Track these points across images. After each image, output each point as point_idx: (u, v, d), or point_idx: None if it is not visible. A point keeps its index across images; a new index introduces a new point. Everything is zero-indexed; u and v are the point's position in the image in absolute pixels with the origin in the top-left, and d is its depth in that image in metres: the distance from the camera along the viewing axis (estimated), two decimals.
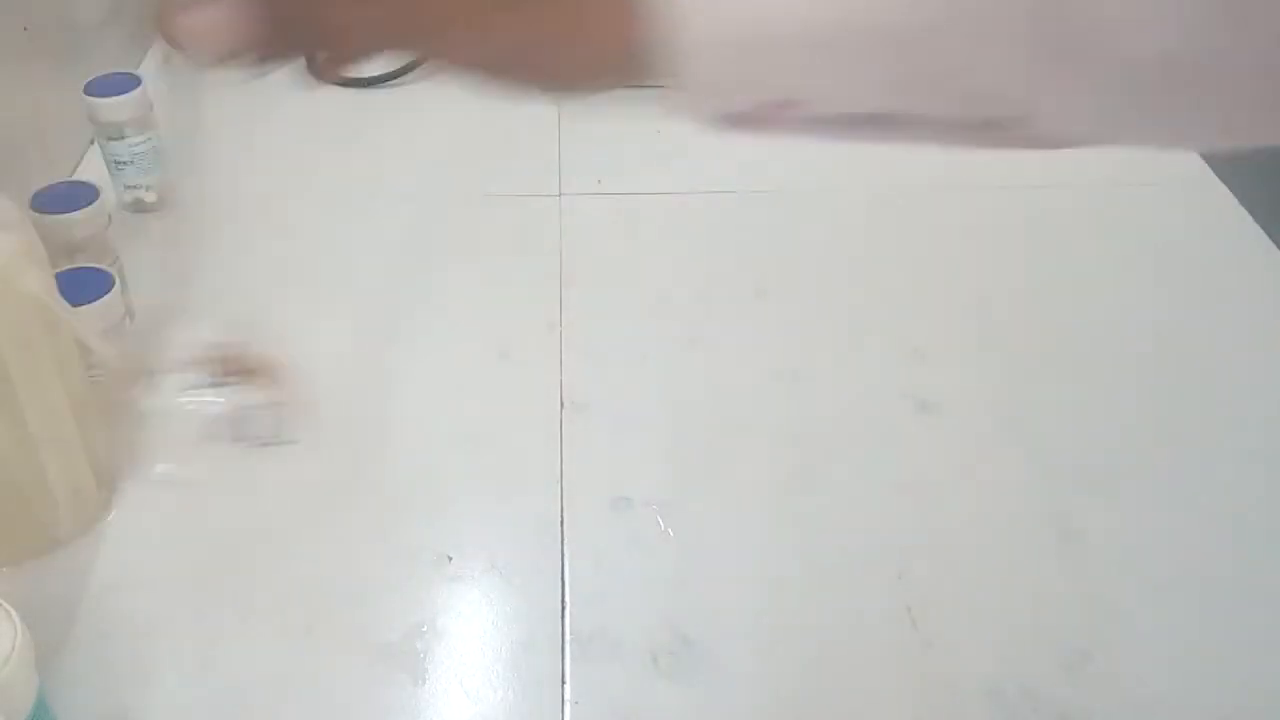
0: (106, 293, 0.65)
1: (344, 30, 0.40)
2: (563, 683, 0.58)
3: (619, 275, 0.84)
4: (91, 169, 0.90)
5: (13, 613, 0.47)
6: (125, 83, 0.83)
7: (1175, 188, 0.95)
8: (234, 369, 0.69)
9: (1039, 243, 0.89)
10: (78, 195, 0.72)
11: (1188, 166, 0.96)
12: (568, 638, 0.60)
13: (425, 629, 0.60)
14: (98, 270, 0.66)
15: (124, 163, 0.85)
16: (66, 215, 0.71)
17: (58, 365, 0.60)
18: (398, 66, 1.05)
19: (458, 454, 0.70)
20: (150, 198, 0.88)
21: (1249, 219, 0.90)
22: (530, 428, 0.71)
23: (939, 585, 0.63)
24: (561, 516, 0.66)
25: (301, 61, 0.44)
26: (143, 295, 0.78)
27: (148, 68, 1.06)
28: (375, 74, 1.05)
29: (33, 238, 0.59)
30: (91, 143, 0.92)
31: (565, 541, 0.65)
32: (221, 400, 0.70)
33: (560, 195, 0.91)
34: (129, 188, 0.87)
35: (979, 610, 0.62)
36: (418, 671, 0.58)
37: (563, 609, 0.61)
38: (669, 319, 0.80)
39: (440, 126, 1.01)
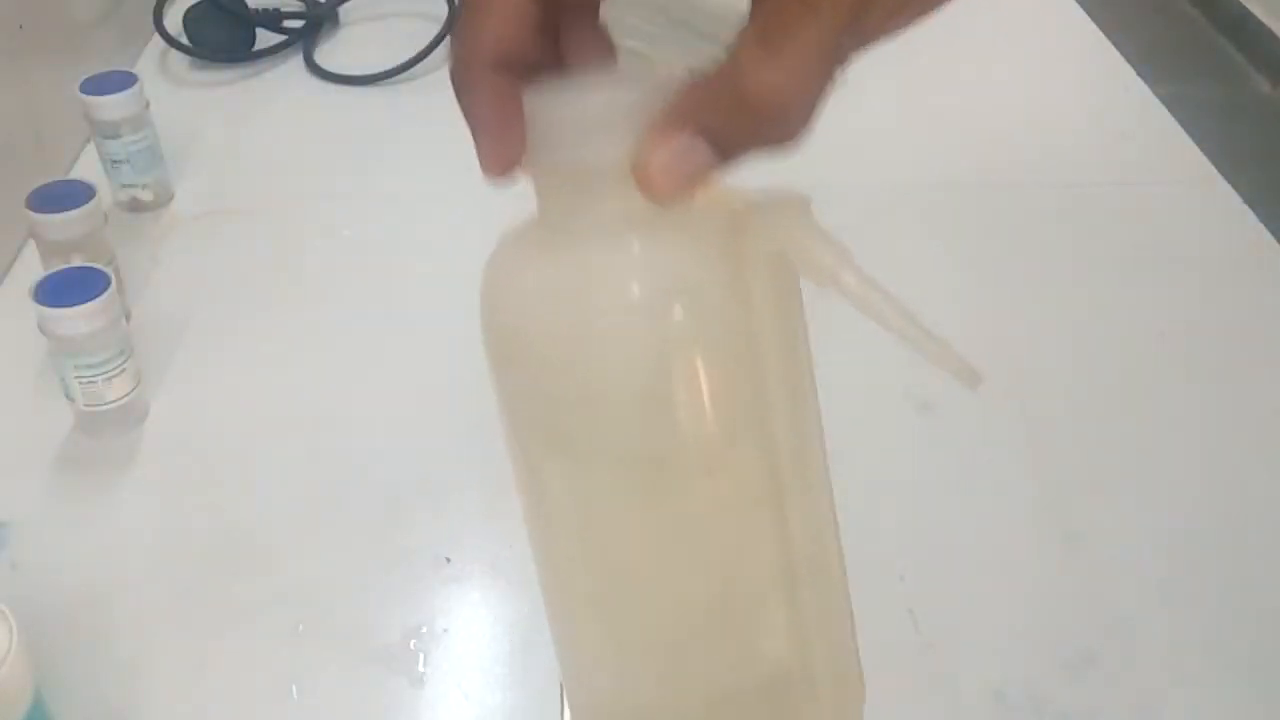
0: (103, 292, 0.64)
1: None
2: (562, 685, 0.58)
3: None
4: (87, 168, 0.90)
5: (9, 613, 0.47)
6: (121, 81, 0.82)
7: (1180, 187, 0.94)
8: None
9: (1041, 241, 0.88)
10: (73, 194, 0.71)
11: (1192, 165, 0.96)
12: None
13: (424, 630, 0.60)
14: (94, 270, 0.66)
15: (120, 161, 0.85)
16: (62, 214, 0.70)
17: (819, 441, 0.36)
18: (397, 64, 1.05)
19: (456, 454, 0.69)
20: (146, 196, 0.88)
21: (1253, 217, 0.90)
22: None
23: (941, 587, 0.63)
24: None
25: None
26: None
27: (143, 66, 1.06)
28: (375, 71, 1.05)
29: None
30: (87, 141, 0.92)
31: None
32: None
33: None
34: (125, 186, 0.87)
35: (981, 612, 0.62)
36: (416, 674, 0.58)
37: None
38: None
39: (439, 123, 1.00)
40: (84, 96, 0.82)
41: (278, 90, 1.05)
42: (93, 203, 0.71)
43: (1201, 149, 0.97)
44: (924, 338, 0.33)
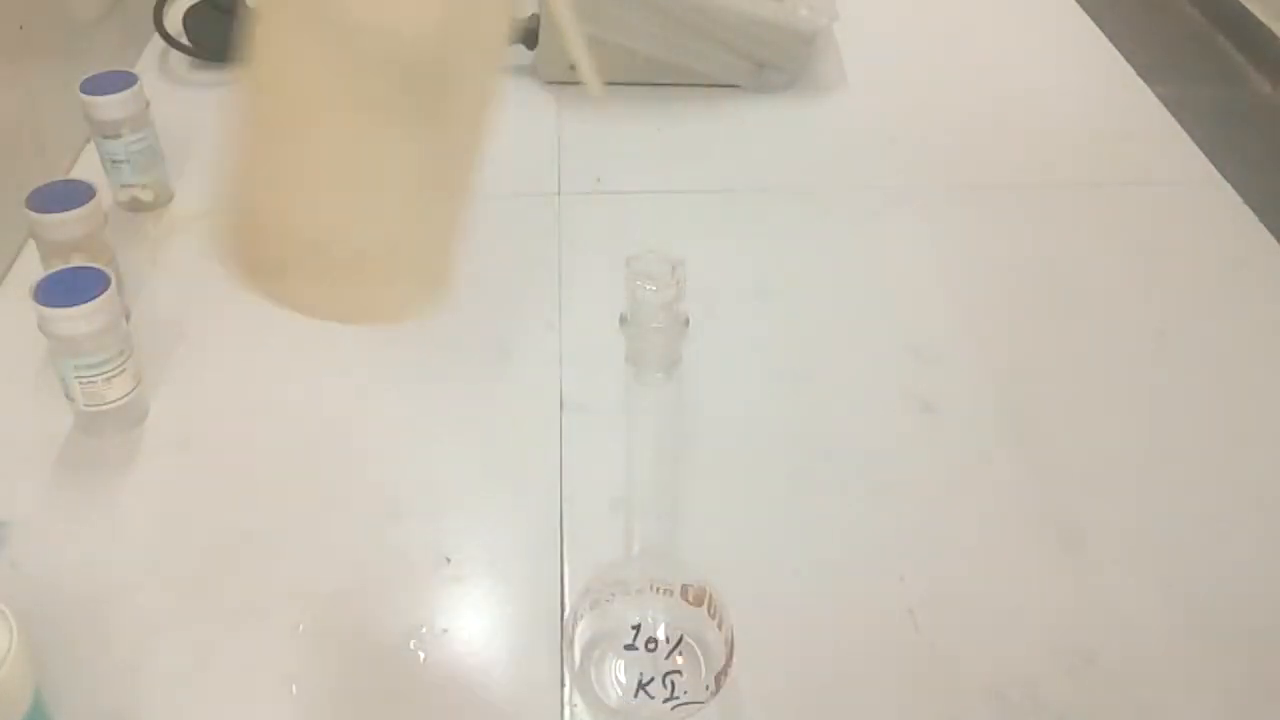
0: (103, 292, 0.64)
1: None
2: (562, 685, 0.58)
3: (618, 274, 0.83)
4: (87, 168, 0.90)
5: (9, 613, 0.47)
6: (121, 81, 0.82)
7: (1180, 187, 0.94)
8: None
9: (1042, 242, 0.88)
10: (74, 194, 0.72)
11: (1192, 165, 0.96)
12: (566, 639, 0.59)
13: (424, 630, 0.60)
14: (95, 269, 0.66)
15: (120, 161, 0.85)
16: (63, 214, 0.70)
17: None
18: None
19: (457, 454, 0.70)
20: (146, 196, 0.87)
21: (1253, 218, 0.90)
22: (530, 428, 0.71)
23: (941, 587, 0.63)
24: (561, 517, 0.66)
25: None
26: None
27: (143, 66, 1.06)
28: None
29: None
30: (87, 141, 0.92)
31: (564, 542, 0.64)
32: None
33: (560, 194, 0.90)
34: (125, 186, 0.87)
35: (981, 612, 0.62)
36: (416, 673, 0.58)
37: (562, 610, 0.61)
38: None
39: None
40: (84, 96, 0.82)
41: None
42: (93, 203, 0.71)
43: (1201, 149, 0.98)
44: (580, 53, 0.42)
